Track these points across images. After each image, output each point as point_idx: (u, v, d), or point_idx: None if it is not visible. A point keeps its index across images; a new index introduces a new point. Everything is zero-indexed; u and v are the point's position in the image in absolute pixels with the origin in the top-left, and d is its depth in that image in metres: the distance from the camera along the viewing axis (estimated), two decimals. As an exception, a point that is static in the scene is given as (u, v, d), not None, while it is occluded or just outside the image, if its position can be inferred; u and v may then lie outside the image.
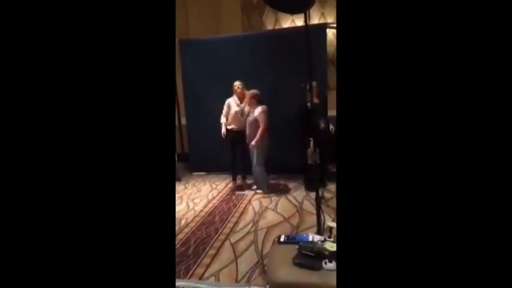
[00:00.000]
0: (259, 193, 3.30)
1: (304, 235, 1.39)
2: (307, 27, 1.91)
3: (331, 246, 1.21)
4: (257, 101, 3.20)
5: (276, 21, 4.48)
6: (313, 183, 2.77)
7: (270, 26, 4.49)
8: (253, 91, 3.22)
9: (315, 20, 4.25)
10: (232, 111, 3.36)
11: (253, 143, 3.14)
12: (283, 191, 3.35)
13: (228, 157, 3.51)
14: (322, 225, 1.93)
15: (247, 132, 3.26)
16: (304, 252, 1.21)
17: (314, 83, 3.12)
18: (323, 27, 3.65)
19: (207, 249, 2.21)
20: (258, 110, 3.14)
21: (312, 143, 1.85)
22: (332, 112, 3.55)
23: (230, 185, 3.60)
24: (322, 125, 3.15)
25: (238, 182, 3.63)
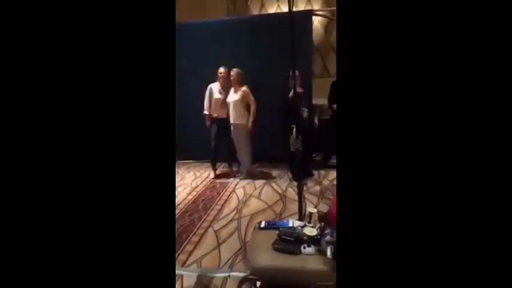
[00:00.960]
0: (244, 181, 3.31)
1: (285, 221, 1.40)
2: (291, 13, 1.88)
3: (310, 231, 1.23)
4: (241, 80, 3.17)
5: (262, 6, 4.40)
6: (296, 172, 2.80)
7: (255, 11, 4.42)
8: (236, 70, 3.18)
9: (300, 6, 4.21)
10: (213, 99, 3.31)
11: (250, 126, 3.13)
12: (267, 178, 3.37)
13: (211, 147, 3.49)
14: (303, 212, 1.96)
15: (231, 114, 3.23)
16: (283, 237, 1.23)
17: (297, 72, 3.12)
18: (309, 14, 3.61)
19: (190, 236, 2.21)
20: (243, 90, 3.11)
21: (294, 130, 1.85)
22: (316, 100, 3.57)
23: (212, 173, 3.57)
24: (305, 114, 3.16)
25: (223, 170, 3.62)
